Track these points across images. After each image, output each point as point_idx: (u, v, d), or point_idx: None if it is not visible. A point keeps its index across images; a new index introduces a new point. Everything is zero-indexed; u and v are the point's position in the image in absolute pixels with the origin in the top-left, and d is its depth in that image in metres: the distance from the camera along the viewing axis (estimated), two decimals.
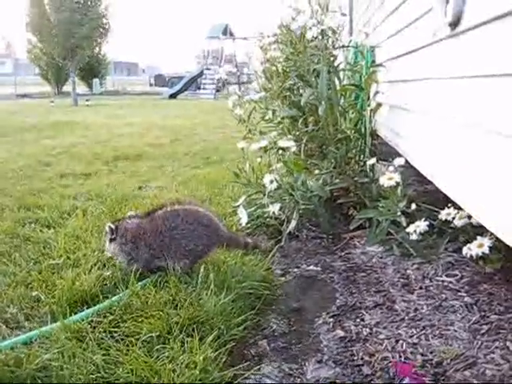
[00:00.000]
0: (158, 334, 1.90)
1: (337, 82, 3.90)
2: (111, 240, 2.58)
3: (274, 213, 3.19)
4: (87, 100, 20.72)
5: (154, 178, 5.07)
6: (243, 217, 3.19)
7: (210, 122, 11.65)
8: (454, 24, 2.17)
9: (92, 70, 31.69)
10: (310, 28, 3.77)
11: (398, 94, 3.81)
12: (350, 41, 5.19)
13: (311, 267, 2.92)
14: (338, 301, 2.46)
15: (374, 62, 4.48)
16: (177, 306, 2.13)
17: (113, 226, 2.59)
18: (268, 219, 3.32)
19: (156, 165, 5.92)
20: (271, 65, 3.94)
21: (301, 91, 3.86)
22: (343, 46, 4.18)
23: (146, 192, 4.43)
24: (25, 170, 5.54)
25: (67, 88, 27.83)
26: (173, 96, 27.48)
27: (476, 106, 2.02)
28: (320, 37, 3.74)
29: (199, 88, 29.00)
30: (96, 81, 32.36)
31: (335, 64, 3.90)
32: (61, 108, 17.87)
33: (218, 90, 26.61)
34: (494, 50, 1.82)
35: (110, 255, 2.63)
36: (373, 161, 3.47)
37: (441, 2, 2.29)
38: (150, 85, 42.12)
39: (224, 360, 1.80)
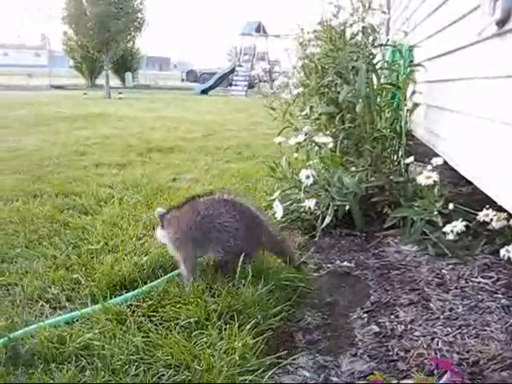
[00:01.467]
0: (196, 320, 1.93)
1: (375, 80, 3.89)
2: (162, 226, 2.49)
3: (309, 208, 3.20)
4: (120, 93, 20.95)
5: (187, 171, 5.12)
6: (278, 210, 3.20)
7: (242, 118, 11.68)
8: (503, 22, 2.15)
9: (125, 64, 32.04)
10: (351, 25, 3.77)
11: (437, 94, 3.79)
12: (388, 40, 5.17)
13: (345, 263, 2.92)
14: (372, 297, 2.46)
15: (411, 61, 4.46)
16: (214, 294, 2.16)
17: (162, 212, 2.52)
18: (303, 214, 3.33)
19: (189, 158, 5.97)
20: (310, 61, 3.95)
21: (339, 88, 3.86)
22: (382, 45, 4.16)
23: (181, 184, 4.47)
24: (60, 159, 5.63)
25: (100, 81, 28.20)
26: (204, 92, 27.62)
27: None
28: (361, 34, 3.74)
29: (231, 85, 29.09)
30: (129, 74, 32.70)
31: (374, 62, 3.89)
32: (94, 100, 18.10)
33: (250, 87, 26.62)
34: None
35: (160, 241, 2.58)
36: (410, 160, 3.46)
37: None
38: (182, 80, 42.47)
39: (261, 349, 1.82)
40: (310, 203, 3.18)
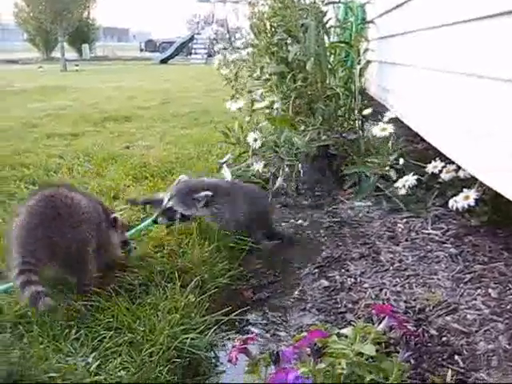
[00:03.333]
0: (141, 282, 1.90)
1: (326, 38, 3.83)
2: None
3: (258, 171, 3.16)
4: (76, 65, 20.42)
5: (141, 138, 5.02)
6: (227, 174, 3.16)
7: (201, 86, 11.51)
8: None
9: (81, 36, 31.10)
10: None
11: (386, 49, 3.77)
12: None
13: (299, 221, 2.92)
14: (323, 253, 2.46)
15: (364, 19, 4.41)
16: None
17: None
18: (252, 177, 3.29)
19: (144, 126, 5.85)
20: (259, 20, 3.86)
21: (289, 47, 3.79)
22: (332, 2, 4.09)
23: (134, 151, 4.38)
24: (11, 132, 5.46)
25: (56, 54, 27.36)
26: (164, 61, 27.16)
27: (458, 52, 2.00)
28: None
29: (191, 53, 28.66)
30: (85, 46, 31.85)
31: (324, 20, 3.83)
32: (50, 73, 17.58)
33: (209, 55, 26.28)
34: None
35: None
36: (368, 111, 3.44)
37: None
38: (141, 50, 41.57)
39: (207, 307, 1.80)
40: (259, 166, 3.14)
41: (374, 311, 1.66)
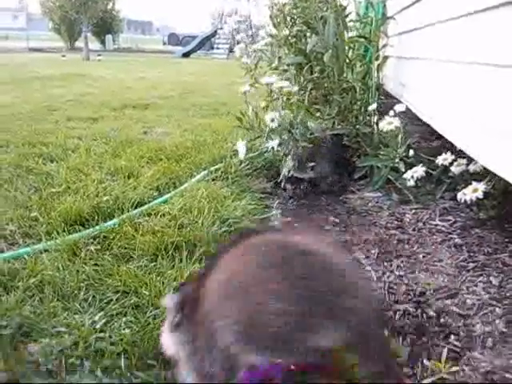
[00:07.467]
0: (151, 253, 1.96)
1: (345, 32, 3.86)
2: None
3: (272, 148, 3.21)
4: (99, 55, 20.59)
5: (159, 125, 5.08)
6: (241, 150, 3.23)
7: (221, 79, 11.56)
8: None
9: (105, 27, 31.37)
10: None
11: (404, 44, 3.80)
12: None
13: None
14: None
15: (384, 14, 4.43)
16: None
17: None
18: (266, 154, 3.34)
19: (163, 114, 5.92)
20: (279, 10, 3.90)
21: (308, 39, 3.83)
22: None
23: (151, 136, 4.45)
24: (32, 114, 5.56)
25: (80, 44, 27.60)
26: (186, 55, 27.29)
27: (474, 42, 2.03)
28: None
29: (213, 48, 28.77)
30: (109, 37, 32.09)
31: (344, 14, 3.86)
32: (72, 62, 17.76)
33: (231, 50, 26.33)
34: None
35: None
36: (373, 106, 3.47)
37: None
38: (164, 43, 41.79)
39: None
40: (273, 143, 3.19)
41: None
